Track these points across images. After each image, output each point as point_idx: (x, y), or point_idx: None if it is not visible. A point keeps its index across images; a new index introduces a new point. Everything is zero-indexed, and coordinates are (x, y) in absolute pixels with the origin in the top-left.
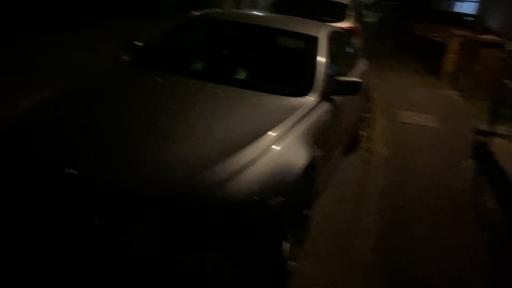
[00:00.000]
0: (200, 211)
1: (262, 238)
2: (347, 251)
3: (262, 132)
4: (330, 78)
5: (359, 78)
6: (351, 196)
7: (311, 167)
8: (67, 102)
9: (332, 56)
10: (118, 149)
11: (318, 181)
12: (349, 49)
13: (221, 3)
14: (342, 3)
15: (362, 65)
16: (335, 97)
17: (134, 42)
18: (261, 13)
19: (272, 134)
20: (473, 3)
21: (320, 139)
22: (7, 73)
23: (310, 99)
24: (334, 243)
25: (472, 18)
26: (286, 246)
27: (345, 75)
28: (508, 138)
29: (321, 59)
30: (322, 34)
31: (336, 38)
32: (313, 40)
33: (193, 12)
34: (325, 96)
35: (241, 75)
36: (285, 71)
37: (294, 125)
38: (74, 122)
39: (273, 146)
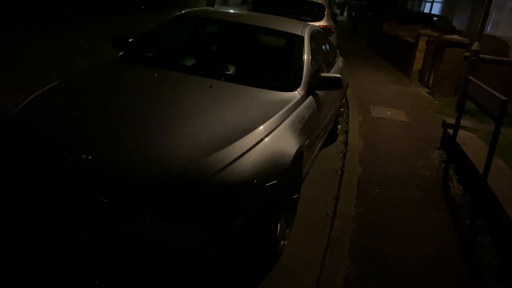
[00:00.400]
0: (205, 193)
1: (260, 217)
2: (329, 232)
3: (257, 123)
4: (315, 74)
5: (339, 74)
6: (331, 184)
7: (299, 155)
8: (71, 93)
9: (315, 54)
10: (125, 136)
11: (303, 168)
12: (328, 47)
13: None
14: (319, 3)
15: (340, 62)
16: (319, 92)
17: (128, 39)
18: (247, 12)
19: (266, 125)
20: (439, 3)
21: (307, 129)
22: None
23: (298, 93)
24: (317, 225)
25: (436, 18)
26: (278, 227)
27: (326, 72)
28: (472, 131)
29: (306, 56)
30: (306, 33)
31: (318, 36)
32: (299, 39)
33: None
34: (311, 91)
35: (233, 70)
36: (274, 67)
37: (285, 117)
38: (81, 111)
39: (267, 136)
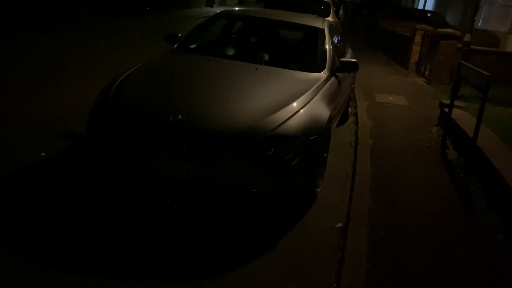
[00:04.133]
0: (269, 142)
1: (307, 162)
2: (351, 184)
3: (297, 95)
4: (335, 59)
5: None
6: (347, 152)
7: (329, 120)
8: (154, 73)
9: (333, 43)
10: (206, 102)
11: (331, 134)
12: (340, 38)
13: (195, 1)
14: (326, 1)
15: (350, 51)
16: (339, 74)
17: (178, 34)
18: (272, 10)
19: (304, 96)
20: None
21: (333, 101)
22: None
23: (324, 74)
24: (340, 180)
25: (430, 14)
26: (316, 175)
27: (343, 57)
28: (465, 109)
29: (328, 45)
30: (326, 26)
31: (333, 29)
32: (321, 31)
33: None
34: (333, 73)
35: (271, 57)
36: (303, 53)
37: (317, 91)
38: (168, 85)
39: (306, 104)
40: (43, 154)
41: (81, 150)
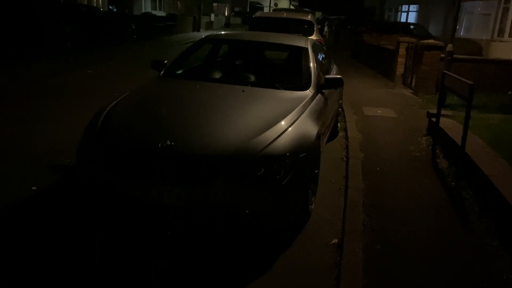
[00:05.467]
0: (258, 162)
1: (298, 180)
2: (344, 199)
3: (284, 114)
4: (320, 76)
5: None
6: (339, 168)
7: (318, 136)
8: (140, 100)
9: (317, 61)
10: (193, 127)
11: (321, 150)
12: (324, 56)
13: (180, 26)
14: (309, 20)
15: (335, 67)
16: (325, 91)
17: (164, 61)
18: (256, 32)
19: (291, 114)
20: (414, 12)
21: (320, 118)
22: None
23: (310, 92)
24: (333, 196)
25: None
26: (309, 192)
27: (328, 74)
28: (452, 118)
29: (312, 63)
30: (309, 45)
31: (317, 47)
32: (305, 50)
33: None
34: (319, 90)
35: (257, 78)
36: (288, 73)
37: (304, 109)
38: (155, 112)
39: (294, 123)
40: (34, 188)
41: (73, 182)
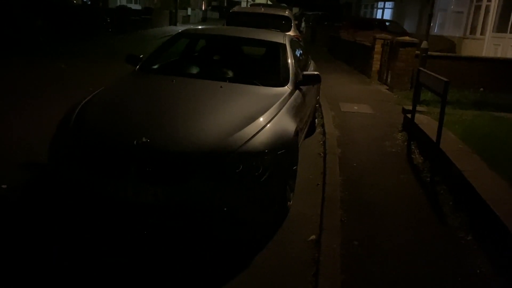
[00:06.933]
0: (237, 160)
1: (276, 177)
2: (322, 194)
3: (262, 110)
4: (298, 73)
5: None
6: (316, 163)
7: (296, 133)
8: (115, 96)
9: (295, 57)
10: (169, 124)
11: (299, 146)
12: (302, 52)
13: (157, 20)
14: (287, 16)
15: (312, 64)
16: (303, 87)
17: (139, 55)
18: (233, 27)
19: (269, 111)
20: (390, 9)
21: (298, 114)
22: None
23: (288, 88)
24: (311, 192)
25: (388, 23)
26: (287, 188)
27: (305, 70)
28: (427, 114)
29: (290, 59)
30: (287, 41)
31: (294, 43)
32: (283, 46)
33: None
34: (297, 86)
35: (235, 74)
36: (266, 69)
37: (282, 105)
38: (130, 108)
39: (272, 119)
40: (4, 186)
41: (44, 180)
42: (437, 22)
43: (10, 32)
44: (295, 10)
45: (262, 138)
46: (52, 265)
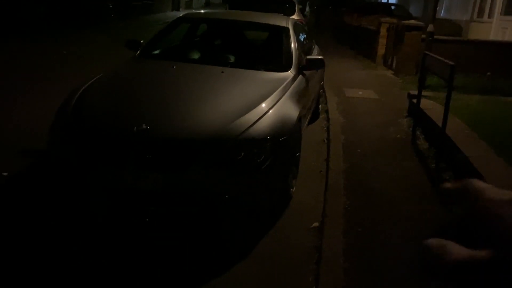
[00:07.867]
0: (238, 146)
1: (278, 164)
2: (325, 181)
3: (265, 96)
4: (301, 57)
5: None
6: (320, 150)
7: (299, 119)
8: (115, 82)
9: (298, 41)
10: (170, 110)
11: (302, 132)
12: (306, 36)
13: (159, 5)
14: (290, 0)
15: (316, 48)
16: (306, 72)
17: (140, 41)
18: (236, 11)
19: (272, 96)
20: None
21: (302, 100)
22: None
23: (291, 73)
24: (314, 178)
25: (394, 7)
26: (290, 175)
27: (309, 55)
28: (433, 99)
29: (293, 43)
30: (290, 24)
31: (298, 27)
32: (286, 29)
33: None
34: (300, 71)
35: (237, 58)
36: (269, 53)
37: (285, 91)
38: (131, 94)
39: (274, 105)
40: (5, 173)
41: (45, 167)
42: (443, 6)
43: (14, 19)
44: None
45: (264, 124)
46: (52, 253)
